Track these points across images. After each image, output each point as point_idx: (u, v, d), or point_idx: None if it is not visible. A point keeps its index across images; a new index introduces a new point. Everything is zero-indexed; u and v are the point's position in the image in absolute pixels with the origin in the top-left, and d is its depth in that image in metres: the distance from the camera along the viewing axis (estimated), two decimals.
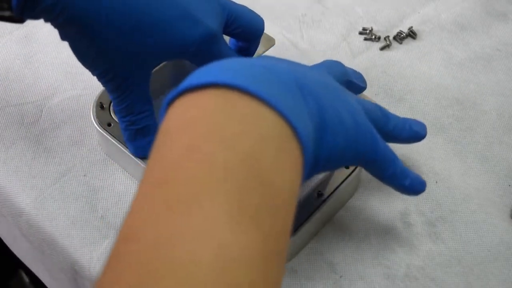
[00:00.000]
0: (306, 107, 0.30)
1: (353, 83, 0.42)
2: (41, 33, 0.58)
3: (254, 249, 0.24)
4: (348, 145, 0.33)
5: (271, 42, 0.54)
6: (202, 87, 0.28)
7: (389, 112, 0.40)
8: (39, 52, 0.57)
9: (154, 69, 0.50)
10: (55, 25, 0.38)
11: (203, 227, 0.23)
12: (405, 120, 0.41)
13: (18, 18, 0.38)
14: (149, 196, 0.26)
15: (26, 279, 0.84)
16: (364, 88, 0.44)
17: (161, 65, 0.50)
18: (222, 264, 0.22)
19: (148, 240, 0.23)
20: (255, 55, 0.52)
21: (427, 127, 0.52)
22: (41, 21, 0.38)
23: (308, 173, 0.30)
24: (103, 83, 0.42)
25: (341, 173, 0.44)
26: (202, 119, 0.27)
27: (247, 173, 0.25)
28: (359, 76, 0.44)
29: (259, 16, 0.47)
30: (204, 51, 0.42)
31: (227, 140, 0.26)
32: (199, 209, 0.24)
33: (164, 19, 0.40)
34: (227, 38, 0.48)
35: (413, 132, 0.41)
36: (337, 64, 0.42)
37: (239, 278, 0.23)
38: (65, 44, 0.40)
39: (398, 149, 0.50)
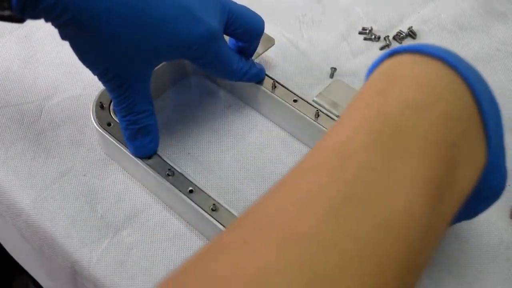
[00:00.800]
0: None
1: None
2: (41, 33, 0.58)
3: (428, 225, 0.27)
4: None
5: (271, 42, 0.54)
6: (433, 56, 0.31)
7: None
8: (39, 52, 0.57)
9: (154, 69, 0.50)
10: (56, 25, 0.38)
11: (400, 186, 0.26)
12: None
13: (18, 17, 0.38)
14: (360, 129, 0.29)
15: (29, 282, 0.84)
16: None
17: (160, 65, 0.50)
18: (408, 220, 0.25)
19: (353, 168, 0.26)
20: (255, 56, 0.52)
21: None
22: (41, 21, 0.38)
23: (491, 162, 0.32)
24: (104, 83, 0.42)
25: None
26: (428, 81, 0.30)
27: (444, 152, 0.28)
28: None
29: (259, 16, 0.47)
30: (206, 50, 0.42)
31: (436, 117, 0.28)
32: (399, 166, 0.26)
33: (165, 19, 0.40)
34: (226, 38, 0.48)
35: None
36: None
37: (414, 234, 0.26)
38: (65, 44, 0.40)
39: None
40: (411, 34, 0.60)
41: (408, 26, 0.60)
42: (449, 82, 0.30)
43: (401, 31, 0.60)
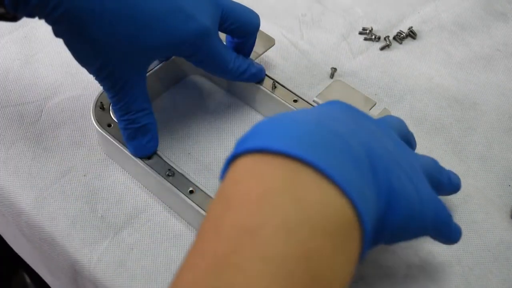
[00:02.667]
0: (376, 186, 0.30)
1: (411, 141, 0.41)
2: (41, 33, 0.58)
3: None
4: (412, 220, 0.32)
5: (271, 42, 0.54)
6: (269, 153, 0.28)
7: (440, 165, 0.39)
8: (39, 52, 0.57)
9: (152, 70, 0.50)
10: (49, 21, 0.38)
11: None
12: (450, 172, 0.40)
13: (11, 15, 0.38)
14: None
15: (27, 279, 0.84)
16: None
17: (158, 66, 0.50)
18: None
19: None
20: (255, 56, 0.52)
21: (427, 127, 0.52)
22: (41, 21, 0.38)
23: (364, 253, 0.30)
24: (100, 81, 0.42)
25: None
26: (268, 194, 0.27)
27: (303, 270, 0.25)
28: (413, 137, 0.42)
29: (253, 11, 0.47)
30: (198, 47, 0.42)
31: (291, 229, 0.26)
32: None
33: (156, 15, 0.40)
34: (223, 36, 0.48)
35: (455, 186, 0.41)
36: (400, 123, 0.40)
37: None
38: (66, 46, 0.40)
39: None
40: (411, 34, 0.60)
41: (408, 26, 0.60)
42: (291, 183, 0.27)
43: (401, 31, 0.60)
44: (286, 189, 0.27)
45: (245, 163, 0.29)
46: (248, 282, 0.25)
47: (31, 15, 0.37)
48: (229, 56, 0.46)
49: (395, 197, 0.31)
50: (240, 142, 0.31)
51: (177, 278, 0.27)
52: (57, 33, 0.39)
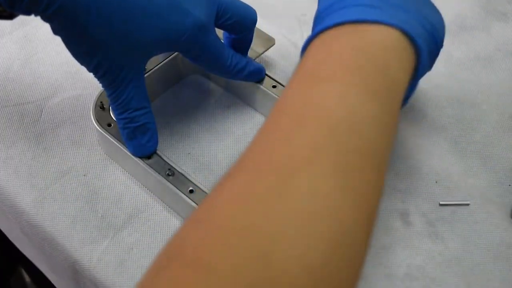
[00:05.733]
0: (417, 20, 0.37)
1: None
2: (41, 33, 0.58)
3: (375, 118, 0.32)
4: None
5: (271, 42, 0.54)
6: (336, 26, 0.36)
7: None
8: (39, 52, 0.57)
9: (152, 70, 0.50)
10: (44, 18, 0.38)
11: (341, 95, 0.32)
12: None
13: (8, 13, 0.38)
14: (298, 78, 0.35)
15: (27, 277, 0.84)
16: None
17: (158, 66, 0.50)
18: (351, 122, 0.31)
19: (299, 101, 0.32)
20: (255, 56, 0.52)
21: (427, 126, 0.52)
22: (41, 21, 0.38)
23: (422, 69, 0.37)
24: (98, 78, 0.42)
25: None
26: (339, 36, 0.35)
27: (375, 68, 0.34)
28: None
29: (250, 7, 0.47)
30: (194, 42, 0.42)
31: (360, 48, 0.34)
32: (338, 84, 0.32)
33: (151, 10, 0.40)
34: (220, 34, 0.48)
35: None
36: None
37: (363, 133, 0.31)
38: (64, 44, 0.40)
39: (398, 149, 0.50)
40: None
41: None
42: (376, 30, 0.36)
43: None
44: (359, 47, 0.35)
45: (331, 32, 0.36)
46: (335, 72, 0.34)
47: (27, 12, 0.37)
48: (226, 53, 0.46)
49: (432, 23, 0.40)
50: (317, 23, 0.39)
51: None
52: (55, 31, 0.39)
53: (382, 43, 0.35)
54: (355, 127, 0.31)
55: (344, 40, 0.35)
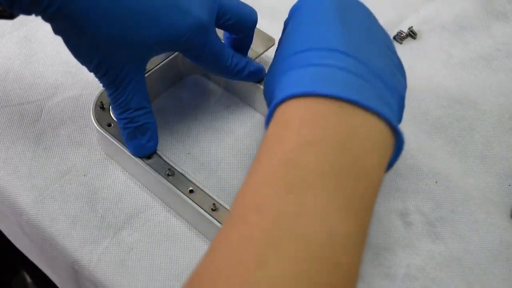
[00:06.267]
0: (393, 98, 0.35)
1: None
2: (41, 33, 0.58)
3: (353, 236, 0.29)
4: None
5: (271, 42, 0.54)
6: (312, 95, 0.32)
7: None
8: (39, 52, 0.57)
9: (152, 70, 0.50)
10: (45, 18, 0.38)
11: (317, 210, 0.29)
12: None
13: (8, 13, 0.38)
14: (270, 175, 0.31)
15: (28, 278, 0.84)
16: None
17: (158, 66, 0.50)
18: (331, 245, 0.28)
19: (271, 213, 0.29)
20: (255, 56, 0.52)
21: (427, 127, 0.52)
22: (41, 21, 0.38)
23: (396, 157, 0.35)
24: (99, 78, 0.42)
25: None
26: (317, 120, 0.32)
27: (353, 172, 0.31)
28: None
29: (251, 7, 0.47)
30: (195, 42, 0.42)
31: (338, 141, 0.31)
32: (313, 195, 0.29)
33: (152, 9, 0.40)
34: (220, 34, 0.48)
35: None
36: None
37: (341, 258, 0.28)
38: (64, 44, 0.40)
39: None
40: (411, 34, 0.60)
41: (408, 26, 0.60)
42: (331, 110, 0.32)
43: (402, 31, 0.60)
44: (337, 119, 0.32)
45: (292, 107, 0.33)
46: (310, 179, 0.30)
47: (27, 12, 0.37)
48: (227, 53, 0.46)
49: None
50: (281, 89, 0.34)
51: (247, 182, 0.32)
52: (55, 31, 0.39)
53: (365, 138, 0.32)
54: (334, 253, 0.28)
55: (319, 125, 0.31)
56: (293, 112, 0.32)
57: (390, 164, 0.35)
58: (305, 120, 0.32)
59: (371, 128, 0.32)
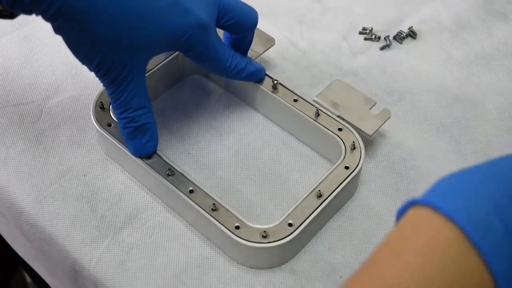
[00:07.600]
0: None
1: None
2: (41, 33, 0.58)
3: None
4: None
5: (271, 42, 0.54)
6: (438, 212, 0.29)
7: None
8: (39, 52, 0.57)
9: (152, 70, 0.50)
10: (46, 17, 0.38)
11: None
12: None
13: (9, 13, 0.38)
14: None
15: (28, 278, 0.84)
16: None
17: (158, 66, 0.51)
18: None
19: None
20: (255, 56, 0.52)
21: (427, 126, 0.52)
22: (41, 21, 0.38)
23: None
24: (99, 78, 0.42)
25: (341, 173, 0.44)
26: (435, 249, 0.29)
27: None
28: None
29: (251, 7, 0.47)
30: (195, 42, 0.42)
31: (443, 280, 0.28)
32: None
33: (153, 8, 0.40)
34: (221, 34, 0.48)
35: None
36: None
37: None
38: (65, 44, 0.40)
39: (399, 149, 0.50)
40: (412, 34, 0.60)
41: (408, 26, 0.60)
42: (458, 252, 0.29)
43: (402, 31, 0.60)
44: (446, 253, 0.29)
45: (415, 217, 0.30)
46: None
47: (28, 12, 0.37)
48: (227, 53, 0.46)
49: None
50: (425, 194, 0.31)
51: None
52: (56, 30, 0.39)
53: None
54: None
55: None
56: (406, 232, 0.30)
57: None
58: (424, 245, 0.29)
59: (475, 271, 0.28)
